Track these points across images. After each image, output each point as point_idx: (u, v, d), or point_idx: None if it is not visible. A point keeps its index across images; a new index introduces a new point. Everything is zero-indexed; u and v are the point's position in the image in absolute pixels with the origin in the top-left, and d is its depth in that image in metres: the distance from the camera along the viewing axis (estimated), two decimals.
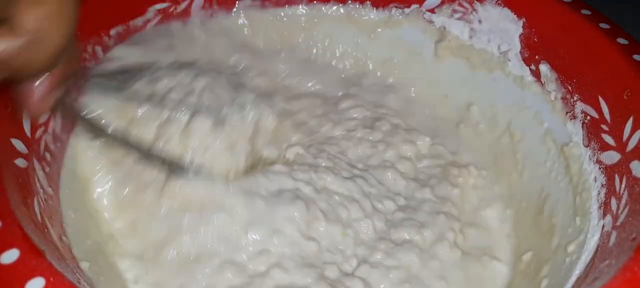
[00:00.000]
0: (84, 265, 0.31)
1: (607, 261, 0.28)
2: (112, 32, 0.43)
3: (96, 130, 0.36)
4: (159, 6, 0.46)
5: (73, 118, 0.37)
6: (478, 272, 0.39)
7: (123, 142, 0.37)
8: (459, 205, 0.43)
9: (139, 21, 0.45)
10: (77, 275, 0.29)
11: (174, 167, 0.37)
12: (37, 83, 0.28)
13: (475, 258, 0.40)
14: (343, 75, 0.51)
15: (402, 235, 0.40)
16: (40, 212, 0.31)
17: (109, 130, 0.36)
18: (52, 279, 0.24)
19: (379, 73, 0.52)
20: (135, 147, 0.37)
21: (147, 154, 0.37)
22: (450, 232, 0.40)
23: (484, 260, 0.40)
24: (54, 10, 0.26)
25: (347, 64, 0.52)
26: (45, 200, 0.32)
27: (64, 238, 0.32)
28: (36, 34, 0.26)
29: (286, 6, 0.50)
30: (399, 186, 0.43)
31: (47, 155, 0.35)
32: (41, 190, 0.32)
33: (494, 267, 0.40)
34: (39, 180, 0.33)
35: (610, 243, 0.30)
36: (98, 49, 0.42)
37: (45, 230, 0.30)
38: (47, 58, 0.27)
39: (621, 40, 0.38)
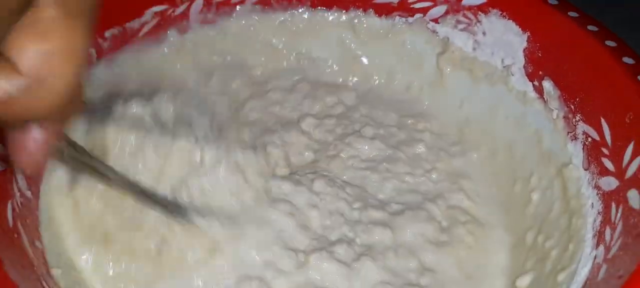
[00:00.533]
0: (56, 272, 0.31)
1: None
2: (107, 34, 0.43)
3: (98, 172, 0.32)
4: (156, 8, 0.45)
5: (76, 166, 0.33)
6: None
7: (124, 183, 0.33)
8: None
9: (135, 23, 0.44)
10: (44, 282, 0.28)
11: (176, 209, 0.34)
12: (31, 132, 0.22)
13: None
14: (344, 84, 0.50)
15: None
16: (13, 217, 0.30)
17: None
18: None
19: (380, 81, 0.51)
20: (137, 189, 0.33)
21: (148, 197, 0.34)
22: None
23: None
24: (62, 45, 0.21)
25: (347, 72, 0.51)
26: (21, 204, 0.32)
27: (37, 243, 0.31)
28: (39, 74, 0.20)
29: (288, 11, 0.49)
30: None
31: None
32: (18, 194, 0.32)
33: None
34: (17, 182, 0.33)
35: (599, 277, 0.28)
36: (92, 51, 0.42)
37: (15, 236, 0.29)
38: (50, 103, 0.21)
39: (627, 60, 0.36)
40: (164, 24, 0.46)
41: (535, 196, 0.40)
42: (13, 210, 0.31)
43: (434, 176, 0.44)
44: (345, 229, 0.38)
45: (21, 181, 0.33)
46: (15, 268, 0.26)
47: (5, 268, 0.25)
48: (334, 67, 0.51)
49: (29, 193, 0.33)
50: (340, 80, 0.51)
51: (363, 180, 0.42)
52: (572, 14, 0.40)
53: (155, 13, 0.45)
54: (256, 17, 0.49)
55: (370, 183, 0.42)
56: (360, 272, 0.36)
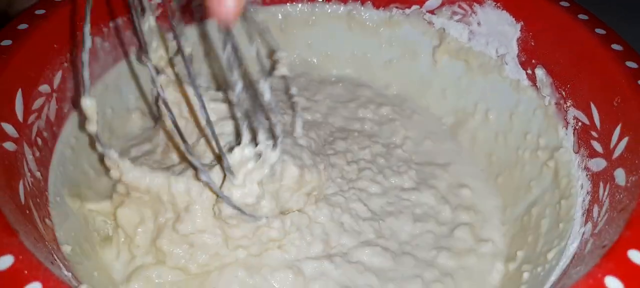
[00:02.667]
0: (66, 248, 0.32)
1: (579, 268, 0.28)
2: None
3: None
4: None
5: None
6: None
7: None
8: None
9: None
10: (54, 255, 0.29)
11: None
12: None
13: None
14: (340, 81, 0.52)
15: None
16: (24, 195, 0.31)
17: None
18: (21, 257, 0.25)
19: (378, 74, 0.52)
20: None
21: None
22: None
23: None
24: None
25: (345, 64, 0.52)
26: (32, 183, 0.33)
27: (47, 221, 0.33)
28: None
29: (287, 4, 0.51)
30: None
31: (39, 141, 0.36)
32: (29, 174, 0.33)
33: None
34: (27, 163, 0.34)
35: (586, 250, 0.30)
36: None
37: (27, 212, 0.30)
38: None
39: (616, 47, 0.37)
40: None
41: (528, 179, 0.41)
42: (24, 188, 0.32)
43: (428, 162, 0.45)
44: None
45: (31, 163, 0.34)
46: (29, 240, 0.27)
47: (21, 238, 0.26)
48: (333, 59, 0.53)
49: (38, 174, 0.35)
50: (335, 72, 0.53)
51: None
52: (563, 3, 0.41)
53: None
54: (252, 9, 0.50)
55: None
56: None
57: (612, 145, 0.34)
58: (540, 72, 0.42)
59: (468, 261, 0.40)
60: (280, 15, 0.51)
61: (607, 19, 0.39)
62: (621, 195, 0.30)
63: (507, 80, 0.45)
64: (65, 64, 0.39)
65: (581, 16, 0.40)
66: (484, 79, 0.46)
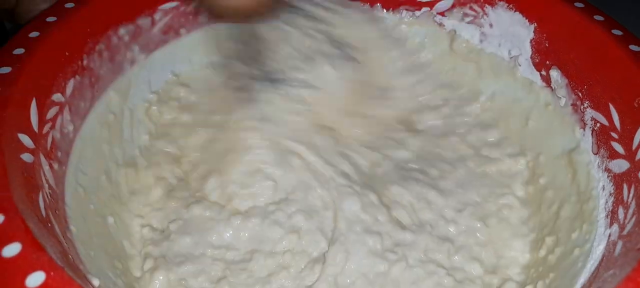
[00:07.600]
0: (87, 259, 0.32)
1: (612, 271, 0.28)
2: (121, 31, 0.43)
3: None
4: (167, 6, 0.46)
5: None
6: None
7: None
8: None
9: (146, 21, 0.45)
10: (80, 269, 0.29)
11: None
12: None
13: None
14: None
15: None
16: (44, 207, 0.31)
17: None
18: (52, 273, 0.24)
19: (388, 74, 0.52)
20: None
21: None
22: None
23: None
24: None
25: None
26: (50, 195, 0.32)
27: (68, 233, 0.32)
28: None
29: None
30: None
31: (54, 151, 0.35)
32: (46, 185, 0.33)
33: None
34: (44, 175, 0.33)
35: (616, 253, 0.30)
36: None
37: (49, 225, 0.30)
38: None
39: (634, 47, 0.37)
40: (176, 20, 0.47)
41: (548, 182, 0.41)
42: (44, 201, 0.31)
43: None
44: None
45: (48, 174, 0.34)
46: (55, 254, 0.26)
47: (49, 253, 0.25)
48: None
49: (55, 186, 0.34)
50: None
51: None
52: (578, 4, 0.41)
53: (166, 11, 0.46)
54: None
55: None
56: None
57: (634, 146, 0.34)
58: (555, 74, 0.42)
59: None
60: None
61: (623, 21, 0.40)
62: None
63: (521, 81, 0.45)
64: (77, 74, 0.39)
65: (597, 17, 0.40)
66: (496, 81, 0.46)
